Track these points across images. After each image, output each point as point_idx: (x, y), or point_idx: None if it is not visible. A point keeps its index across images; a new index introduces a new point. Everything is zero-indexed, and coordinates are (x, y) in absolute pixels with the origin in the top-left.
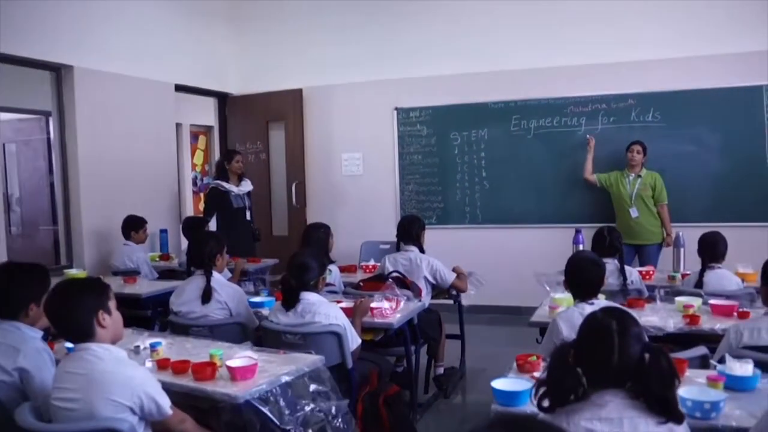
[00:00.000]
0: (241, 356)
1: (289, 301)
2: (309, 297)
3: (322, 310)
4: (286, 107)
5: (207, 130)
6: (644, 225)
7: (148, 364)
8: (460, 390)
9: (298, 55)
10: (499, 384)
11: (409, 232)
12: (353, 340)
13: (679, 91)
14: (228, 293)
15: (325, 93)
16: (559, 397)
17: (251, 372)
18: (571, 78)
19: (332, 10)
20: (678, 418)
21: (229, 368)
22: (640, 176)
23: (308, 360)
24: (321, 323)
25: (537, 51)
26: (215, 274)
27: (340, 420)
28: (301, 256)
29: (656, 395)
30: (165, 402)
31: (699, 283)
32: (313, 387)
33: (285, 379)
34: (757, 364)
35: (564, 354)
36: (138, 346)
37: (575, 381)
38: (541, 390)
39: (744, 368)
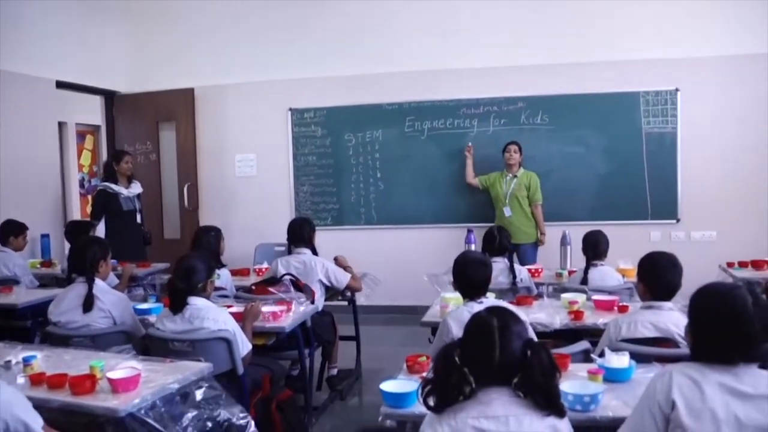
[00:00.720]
0: (123, 367)
1: (176, 306)
2: (197, 302)
3: (211, 315)
4: (177, 107)
5: (94, 129)
6: (516, 225)
7: (20, 380)
8: (356, 392)
9: (189, 53)
10: (388, 386)
11: (301, 234)
12: (244, 346)
13: (566, 95)
14: (111, 301)
15: (218, 93)
16: (445, 396)
17: (134, 383)
18: (464, 80)
19: (224, 9)
20: (560, 413)
21: (110, 380)
22: (516, 176)
23: (196, 368)
24: (209, 329)
25: (431, 53)
26: (98, 281)
27: (237, 424)
28: (188, 259)
29: (539, 390)
30: (35, 422)
31: (584, 280)
32: (202, 395)
33: (171, 388)
34: (634, 355)
35: (450, 353)
36: (9, 361)
37: (461, 380)
38: (427, 389)
39: (621, 360)
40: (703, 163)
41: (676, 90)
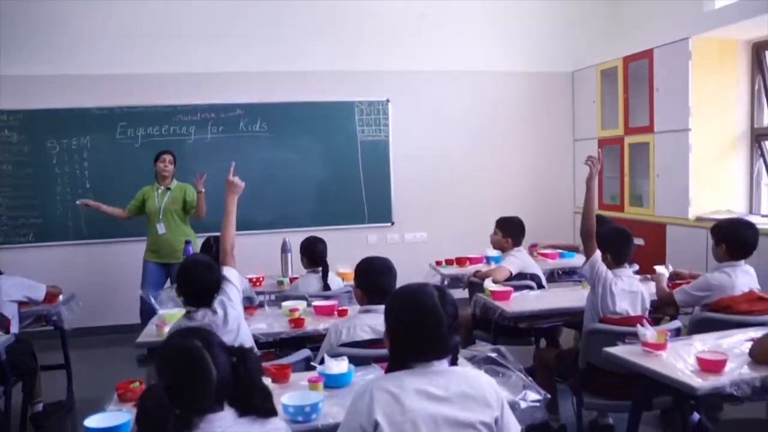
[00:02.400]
0: None
1: None
2: None
3: None
4: None
5: None
6: (172, 242)
7: None
8: (69, 426)
9: None
10: (93, 421)
11: None
12: None
13: (284, 103)
14: None
15: None
16: None
17: None
18: (180, 86)
19: None
20: (272, 412)
21: None
22: (170, 189)
23: None
24: None
25: (145, 56)
26: None
27: None
28: None
29: (256, 393)
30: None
31: (325, 286)
32: None
33: None
34: (354, 359)
35: (156, 394)
36: None
37: (178, 421)
38: None
39: (340, 366)
40: (412, 169)
41: (387, 101)
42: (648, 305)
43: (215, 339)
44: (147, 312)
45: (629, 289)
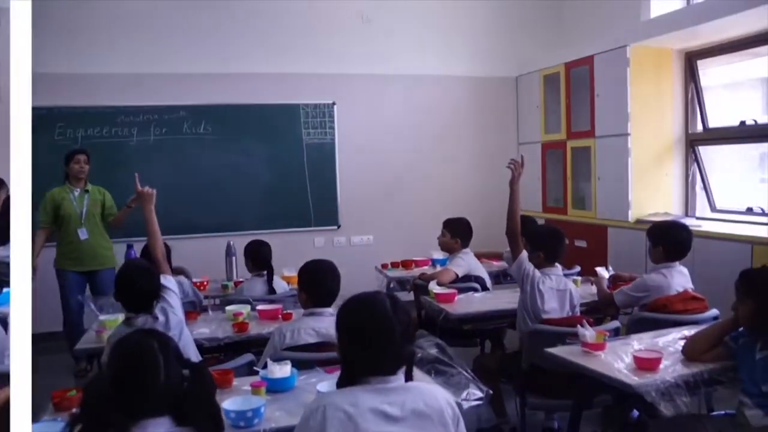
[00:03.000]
0: None
1: None
2: None
3: None
4: None
5: None
6: (94, 247)
7: None
8: None
9: None
10: None
11: None
12: None
13: (229, 105)
14: None
15: None
16: None
17: None
18: (122, 86)
19: None
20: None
21: None
22: (87, 191)
23: None
24: None
25: (82, 55)
26: None
27: None
28: None
29: (204, 409)
30: None
31: (270, 290)
32: None
33: None
34: (298, 362)
35: (100, 386)
36: None
37: (115, 416)
38: None
39: (283, 370)
40: (358, 172)
41: (333, 103)
42: (576, 303)
43: (173, 345)
44: (73, 323)
45: (557, 288)
